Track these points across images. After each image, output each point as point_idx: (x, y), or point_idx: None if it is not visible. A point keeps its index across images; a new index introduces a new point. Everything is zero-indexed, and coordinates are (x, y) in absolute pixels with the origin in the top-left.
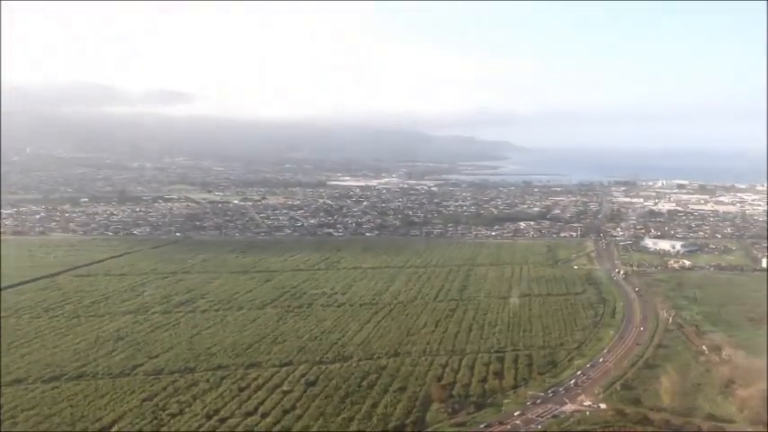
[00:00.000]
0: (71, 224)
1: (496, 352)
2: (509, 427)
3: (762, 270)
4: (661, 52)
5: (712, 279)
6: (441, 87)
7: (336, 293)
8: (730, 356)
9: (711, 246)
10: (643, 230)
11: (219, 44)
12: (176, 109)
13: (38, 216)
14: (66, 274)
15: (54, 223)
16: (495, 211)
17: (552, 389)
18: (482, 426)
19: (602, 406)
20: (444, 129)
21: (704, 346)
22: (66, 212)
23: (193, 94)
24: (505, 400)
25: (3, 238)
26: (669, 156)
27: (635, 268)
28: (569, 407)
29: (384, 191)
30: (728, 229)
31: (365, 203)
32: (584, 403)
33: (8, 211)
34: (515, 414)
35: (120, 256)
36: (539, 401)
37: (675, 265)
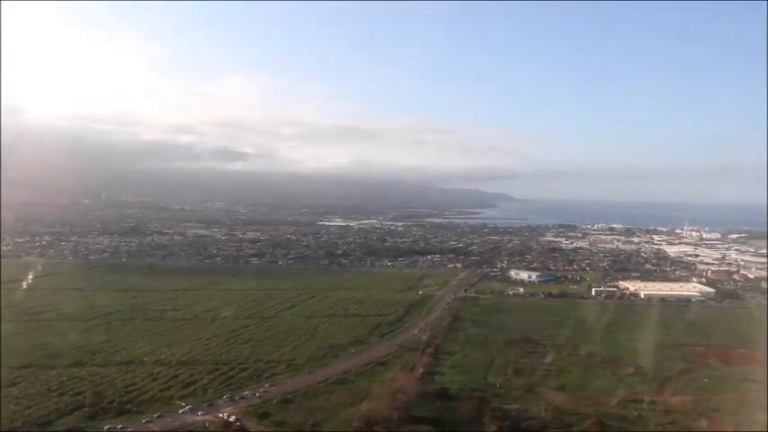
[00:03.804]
0: (51, 250)
1: (221, 364)
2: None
3: (587, 298)
4: (637, 120)
5: (528, 305)
6: (452, 149)
7: (172, 310)
8: (416, 376)
9: (569, 276)
10: (525, 263)
11: (270, 112)
12: (235, 165)
13: (39, 243)
14: None
15: (40, 249)
16: (423, 245)
17: (216, 399)
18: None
19: (231, 418)
20: (453, 183)
21: (419, 366)
22: (64, 241)
23: (249, 153)
24: (141, 408)
25: None
26: (631, 206)
27: (470, 294)
28: (202, 417)
29: (355, 229)
30: (605, 263)
31: (323, 239)
32: (219, 414)
33: (21, 240)
34: (144, 421)
35: (51, 275)
36: (181, 411)
37: (511, 293)
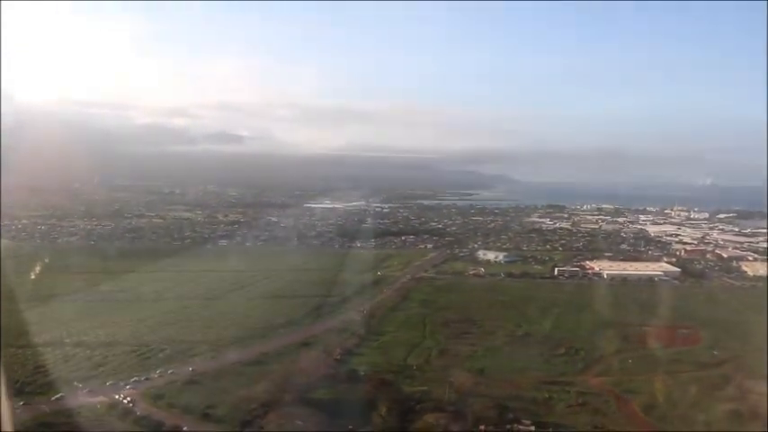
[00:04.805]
0: (23, 233)
1: (141, 345)
2: None
3: (547, 278)
4: (639, 103)
5: (484, 285)
6: (450, 131)
7: (119, 291)
8: (332, 358)
9: (537, 257)
10: (499, 244)
11: (265, 94)
12: (230, 148)
13: (14, 227)
14: None
15: (13, 232)
16: (402, 226)
17: (121, 381)
18: None
19: (125, 401)
20: (451, 164)
21: (340, 347)
22: (41, 225)
23: (245, 136)
24: (40, 389)
25: None
26: (638, 187)
27: (428, 275)
28: (93, 399)
29: (341, 210)
30: (581, 243)
31: (303, 221)
32: (115, 397)
33: None
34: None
35: (9, 258)
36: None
37: (471, 273)
